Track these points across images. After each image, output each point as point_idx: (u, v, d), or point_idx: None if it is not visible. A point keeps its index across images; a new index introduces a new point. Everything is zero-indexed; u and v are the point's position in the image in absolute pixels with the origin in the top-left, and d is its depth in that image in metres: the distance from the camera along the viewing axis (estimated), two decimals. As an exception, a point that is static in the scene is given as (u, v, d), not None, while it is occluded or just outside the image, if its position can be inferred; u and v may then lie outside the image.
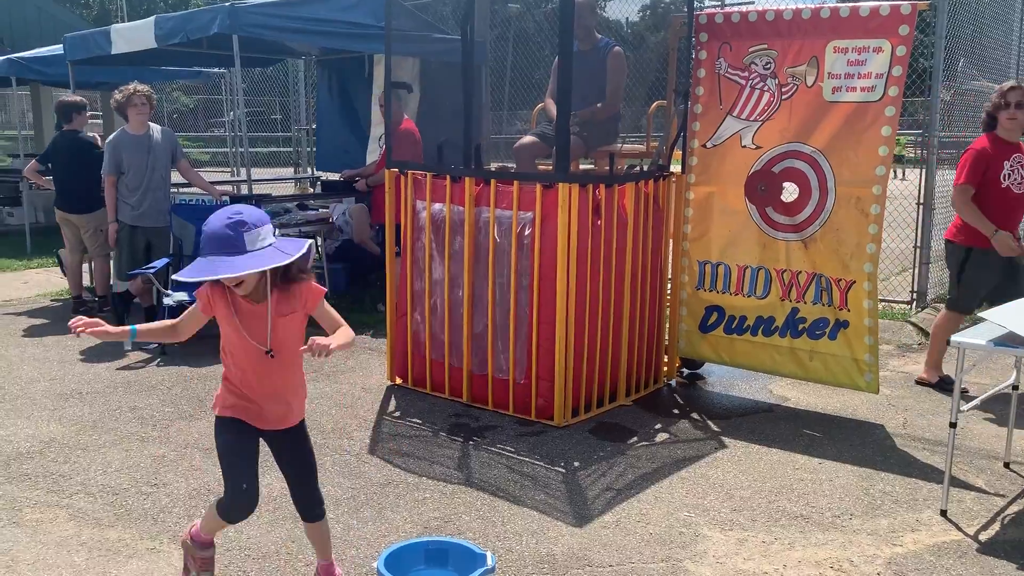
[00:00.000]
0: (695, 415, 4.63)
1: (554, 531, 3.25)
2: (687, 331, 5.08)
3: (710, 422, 4.51)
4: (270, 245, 2.39)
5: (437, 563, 2.58)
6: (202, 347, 5.92)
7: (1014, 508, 3.46)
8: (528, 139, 5.44)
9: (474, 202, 4.54)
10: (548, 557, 3.05)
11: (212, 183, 6.86)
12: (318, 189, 9.06)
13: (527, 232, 4.35)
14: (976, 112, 8.71)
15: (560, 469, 3.85)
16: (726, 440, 4.22)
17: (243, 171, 9.32)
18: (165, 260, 5.97)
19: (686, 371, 5.36)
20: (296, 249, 2.41)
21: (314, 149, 10.54)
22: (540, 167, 5.44)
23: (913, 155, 7.91)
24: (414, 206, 4.88)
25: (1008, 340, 3.25)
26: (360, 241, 7.74)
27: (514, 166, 5.54)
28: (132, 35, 7.06)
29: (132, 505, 3.48)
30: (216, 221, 2.36)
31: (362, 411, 4.64)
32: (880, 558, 3.05)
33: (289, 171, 13.08)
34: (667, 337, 5.15)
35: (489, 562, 2.46)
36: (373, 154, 8.97)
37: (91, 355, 5.78)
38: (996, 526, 3.31)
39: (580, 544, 3.15)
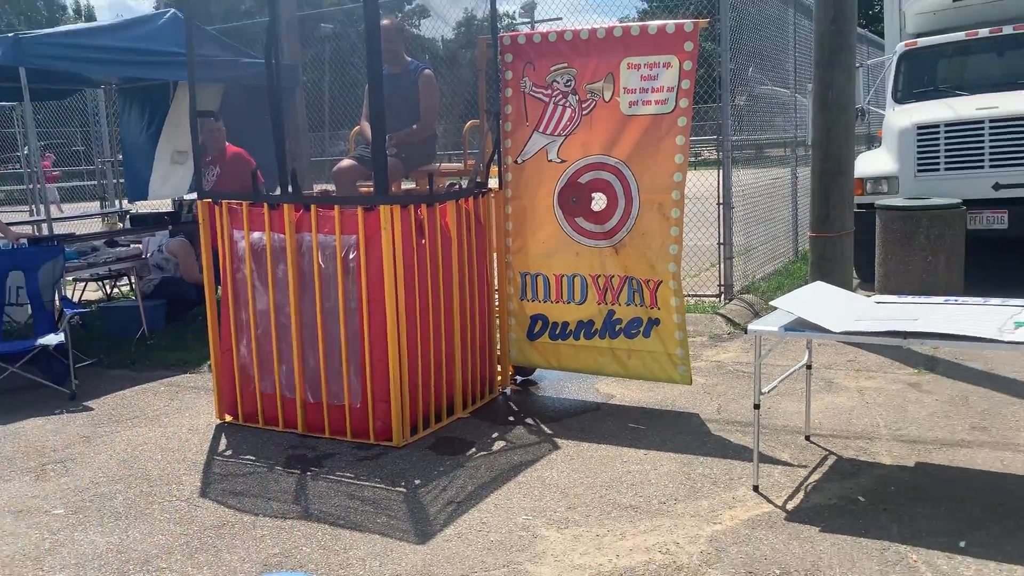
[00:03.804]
0: (529, 420, 4.79)
1: (398, 552, 3.27)
2: (516, 340, 5.25)
3: (543, 425, 4.68)
4: None
5: (278, 599, 2.54)
6: (9, 403, 5.50)
7: (815, 476, 3.83)
8: (347, 162, 5.44)
9: (295, 228, 4.49)
10: (393, 578, 3.07)
11: (8, 224, 6.37)
12: (128, 224, 8.60)
13: (352, 256, 4.35)
14: (766, 115, 9.54)
15: (401, 489, 3.87)
16: (559, 441, 4.40)
17: (43, 209, 8.69)
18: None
19: (519, 378, 5.52)
20: None
21: (121, 181, 9.98)
22: (361, 190, 5.45)
23: (714, 158, 8.57)
24: (231, 236, 4.75)
25: (797, 325, 3.60)
26: (190, 278, 7.38)
27: (334, 190, 5.52)
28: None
29: (-67, 584, 3.19)
30: None
31: (191, 453, 4.46)
32: (702, 537, 3.30)
33: (96, 205, 12.30)
34: (499, 347, 5.29)
35: (331, 591, 2.45)
36: (166, 181, 8.63)
37: None
38: (800, 495, 3.64)
39: (424, 561, 3.19)
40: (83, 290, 8.69)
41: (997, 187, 7.07)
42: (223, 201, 4.75)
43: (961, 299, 3.92)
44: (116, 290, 8.77)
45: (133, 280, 7.46)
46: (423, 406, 4.56)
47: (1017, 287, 4.75)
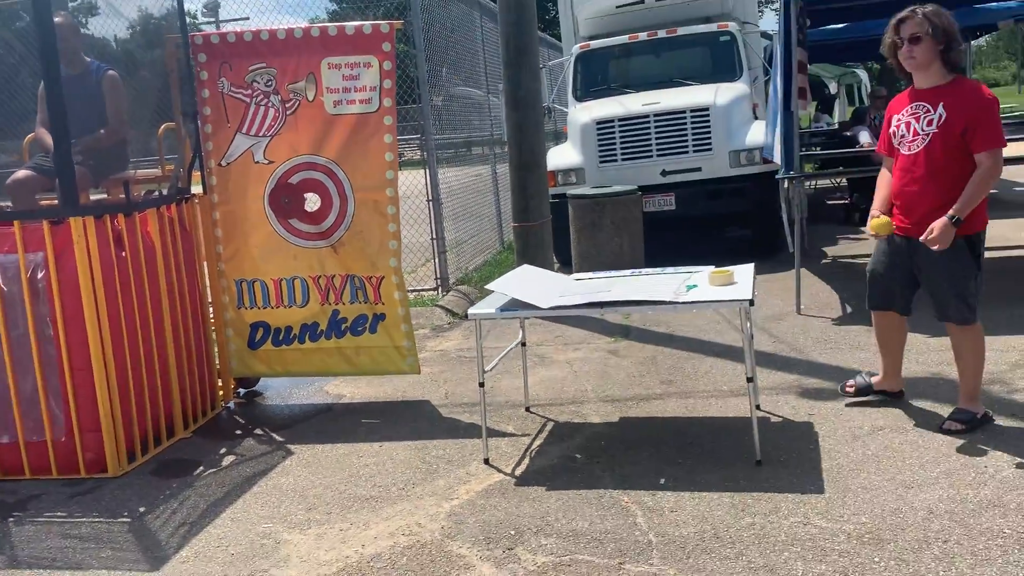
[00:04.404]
0: (258, 431, 4.67)
1: (128, 583, 3.07)
2: (237, 350, 5.07)
3: (274, 434, 4.59)
4: None
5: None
6: None
7: (537, 443, 4.15)
8: (23, 173, 4.90)
9: (-35, 251, 3.98)
10: (126, 611, 2.88)
11: None
12: None
13: (40, 275, 3.95)
14: (464, 114, 10.01)
15: (125, 520, 3.61)
16: (292, 447, 4.35)
17: None
18: None
19: (242, 391, 5.34)
20: None
21: None
22: (43, 203, 4.94)
23: (418, 157, 8.81)
24: None
25: (511, 305, 3.88)
26: None
27: (10, 204, 4.94)
28: None
29: None
30: None
31: None
32: (442, 513, 3.46)
33: None
34: (217, 360, 5.08)
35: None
36: None
37: None
38: (526, 461, 3.94)
39: (160, 587, 3.03)
40: None
41: (664, 173, 8.06)
42: None
43: (644, 271, 4.47)
44: None
45: None
46: (139, 430, 4.27)
47: (687, 258, 5.47)
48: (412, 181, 7.85)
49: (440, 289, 7.70)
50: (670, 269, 4.34)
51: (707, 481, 3.53)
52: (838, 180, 11.61)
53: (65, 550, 3.36)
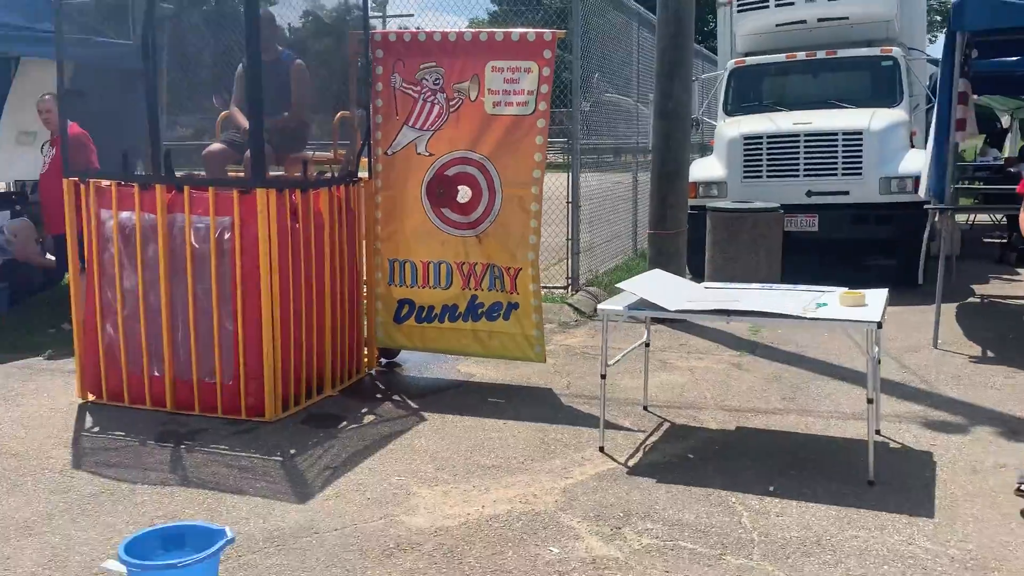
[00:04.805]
0: (396, 397, 5.08)
1: (280, 510, 3.50)
2: (383, 323, 5.52)
3: (410, 401, 4.99)
4: None
5: (175, 546, 2.73)
6: None
7: (652, 439, 4.35)
8: (216, 146, 5.53)
9: (167, 209, 4.57)
10: (277, 531, 3.30)
11: None
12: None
13: (227, 237, 4.49)
14: (610, 121, 10.23)
15: (278, 458, 4.08)
16: (425, 415, 4.72)
17: None
18: None
19: (384, 360, 5.79)
20: None
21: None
22: (230, 173, 5.55)
23: (562, 160, 9.07)
24: (99, 215, 4.76)
25: (639, 305, 4.10)
26: (24, 258, 7.15)
27: (200, 173, 5.57)
28: None
29: None
30: None
31: (56, 430, 4.46)
32: (556, 489, 3.72)
33: None
34: (366, 330, 5.55)
35: (228, 534, 2.67)
36: (11, 164, 8.25)
37: None
38: (640, 454, 4.15)
39: (306, 517, 3.44)
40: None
41: (809, 194, 8.01)
42: (90, 180, 4.75)
43: (775, 286, 4.57)
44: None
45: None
46: (294, 384, 4.76)
47: (824, 282, 5.48)
48: (554, 183, 8.16)
49: (570, 288, 7.97)
50: (802, 287, 4.43)
51: (816, 493, 3.63)
52: (998, 217, 11.08)
53: (228, 477, 3.85)
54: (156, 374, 4.72)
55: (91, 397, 4.92)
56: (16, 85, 8.07)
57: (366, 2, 5.20)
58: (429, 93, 5.22)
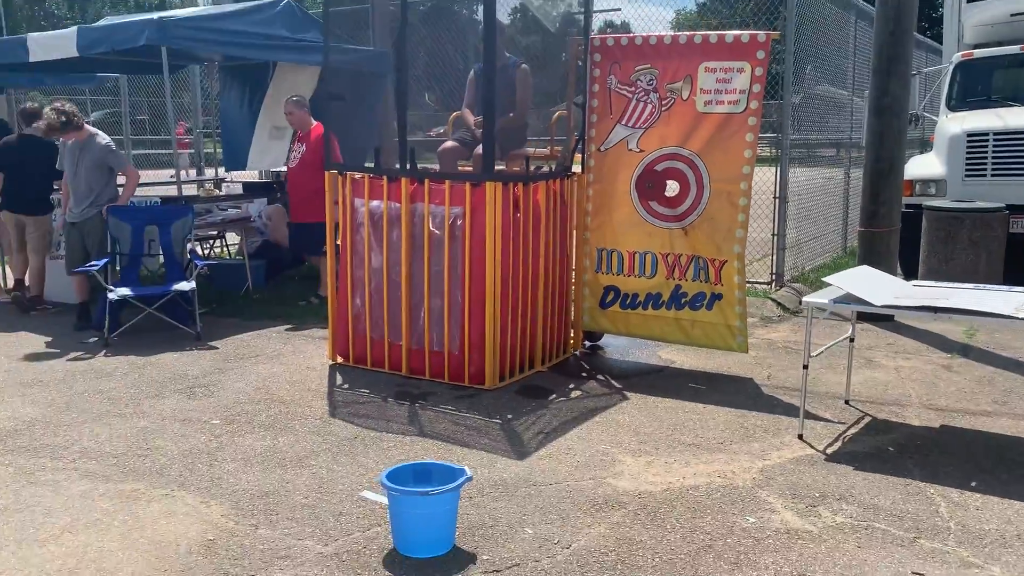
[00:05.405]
0: (599, 376, 5.48)
1: (502, 464, 4.00)
2: (589, 308, 5.93)
3: (613, 381, 5.36)
4: None
5: (424, 480, 3.27)
6: (145, 339, 6.35)
7: (852, 431, 4.46)
8: (450, 144, 6.18)
9: (410, 199, 5.23)
10: (501, 481, 3.80)
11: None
12: (237, 189, 9.48)
13: (459, 224, 5.07)
14: (822, 114, 10.03)
15: (497, 421, 4.60)
16: (628, 394, 5.08)
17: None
18: (105, 259, 6.34)
19: (588, 343, 6.21)
20: None
21: (214, 150, 10.89)
22: (461, 168, 6.17)
23: (769, 154, 9.00)
24: (353, 203, 5.51)
25: (844, 299, 4.23)
26: (276, 240, 8.23)
27: (435, 167, 6.24)
28: (51, 44, 7.30)
29: (134, 464, 3.99)
30: None
31: (313, 385, 5.24)
32: (754, 468, 3.96)
33: (169, 172, 13.17)
34: (573, 313, 5.99)
35: (468, 473, 3.18)
36: (264, 154, 9.45)
37: (37, 351, 6.08)
38: (838, 443, 4.28)
39: (524, 472, 3.91)
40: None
41: (1040, 195, 7.54)
42: (347, 172, 5.50)
43: (990, 286, 4.51)
44: (212, 251, 9.65)
45: (240, 240, 8.30)
46: (510, 357, 5.28)
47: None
48: (761, 177, 8.18)
49: (774, 283, 8.01)
50: (1019, 288, 4.35)
51: (1021, 493, 3.63)
52: None
53: (456, 432, 4.41)
54: (394, 342, 5.41)
55: (339, 359, 5.70)
56: (272, 86, 9.27)
57: (587, 18, 5.59)
58: (643, 93, 5.55)
